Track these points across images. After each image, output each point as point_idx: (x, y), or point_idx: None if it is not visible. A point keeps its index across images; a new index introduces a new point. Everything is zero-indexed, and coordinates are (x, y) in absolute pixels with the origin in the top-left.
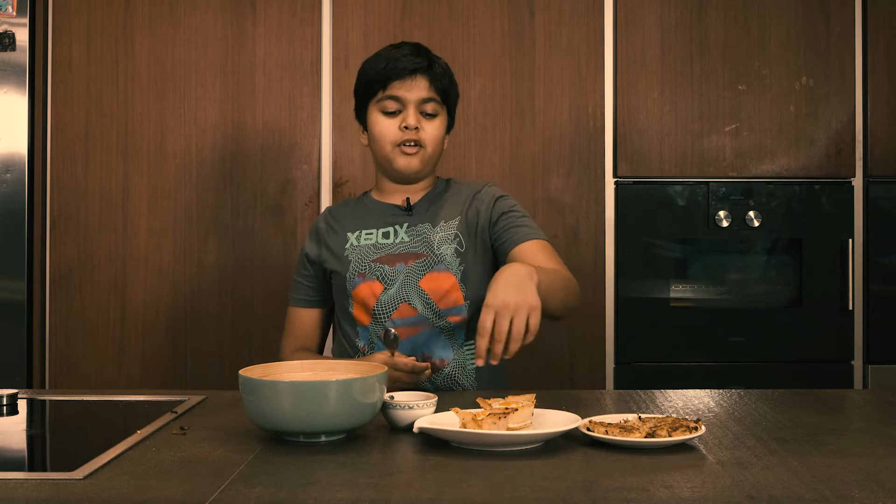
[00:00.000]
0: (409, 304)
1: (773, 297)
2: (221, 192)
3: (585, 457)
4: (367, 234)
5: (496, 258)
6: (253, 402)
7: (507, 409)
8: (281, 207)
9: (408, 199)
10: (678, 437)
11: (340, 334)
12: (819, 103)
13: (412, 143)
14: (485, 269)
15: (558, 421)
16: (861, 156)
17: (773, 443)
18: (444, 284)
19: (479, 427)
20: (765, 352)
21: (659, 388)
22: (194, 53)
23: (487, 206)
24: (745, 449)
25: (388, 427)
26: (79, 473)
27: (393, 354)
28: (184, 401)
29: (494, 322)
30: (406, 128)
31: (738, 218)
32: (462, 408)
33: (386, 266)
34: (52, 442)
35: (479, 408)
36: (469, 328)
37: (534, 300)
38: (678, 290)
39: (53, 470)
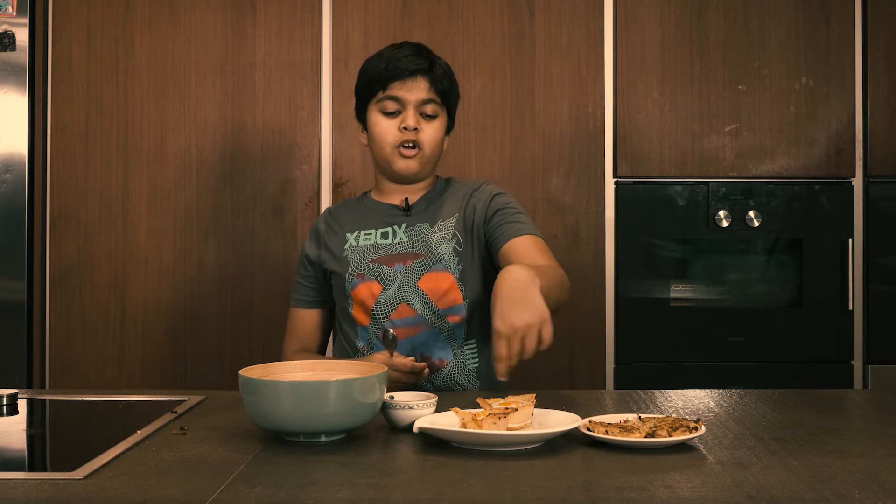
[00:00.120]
0: (408, 304)
1: (773, 297)
2: (221, 192)
3: (585, 457)
4: (365, 234)
5: (490, 255)
6: (253, 402)
7: (507, 409)
8: (281, 207)
9: (406, 199)
10: (678, 437)
11: (341, 335)
12: (819, 103)
13: (411, 145)
14: (483, 267)
15: (558, 421)
16: (861, 156)
17: (773, 443)
18: (442, 284)
19: (479, 427)
20: (765, 352)
21: (659, 388)
22: (194, 53)
23: (483, 204)
24: (745, 449)
25: (388, 427)
26: (79, 473)
27: (392, 355)
28: (184, 401)
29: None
30: (405, 129)
31: (738, 218)
32: (462, 408)
33: (384, 266)
34: (52, 442)
35: (479, 408)
36: (469, 328)
37: (543, 312)
38: (678, 290)
39: (53, 470)
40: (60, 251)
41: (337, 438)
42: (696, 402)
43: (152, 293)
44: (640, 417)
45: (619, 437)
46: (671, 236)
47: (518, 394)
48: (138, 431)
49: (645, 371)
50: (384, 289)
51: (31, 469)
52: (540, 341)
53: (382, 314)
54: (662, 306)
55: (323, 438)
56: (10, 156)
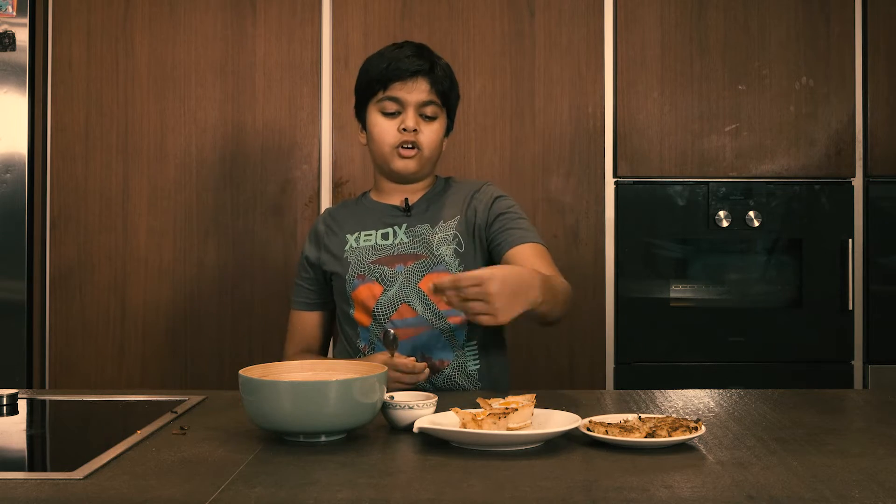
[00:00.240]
0: (409, 305)
1: (773, 297)
2: (221, 192)
3: (585, 457)
4: (366, 235)
5: (492, 259)
6: (253, 402)
7: (507, 409)
8: (281, 207)
9: (406, 199)
10: (678, 437)
11: (342, 336)
12: (819, 103)
13: (410, 146)
14: (483, 266)
15: (558, 421)
16: (861, 156)
17: (773, 443)
18: None
19: (479, 427)
20: (765, 352)
21: (659, 388)
22: (194, 53)
23: (485, 206)
24: (745, 449)
25: (388, 427)
26: (79, 473)
27: (393, 355)
28: (184, 401)
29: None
30: (405, 129)
31: (738, 218)
32: (462, 408)
33: (385, 267)
34: (52, 442)
35: (479, 408)
36: (469, 329)
37: (505, 317)
38: (678, 290)
39: (53, 470)
40: (60, 251)
41: (337, 438)
42: (696, 402)
43: (152, 293)
44: (640, 417)
45: (619, 437)
46: (671, 236)
47: (518, 394)
48: (138, 431)
49: (645, 371)
50: (385, 290)
51: (31, 469)
52: (475, 316)
53: (383, 315)
54: (662, 306)
55: (323, 438)
56: (10, 156)
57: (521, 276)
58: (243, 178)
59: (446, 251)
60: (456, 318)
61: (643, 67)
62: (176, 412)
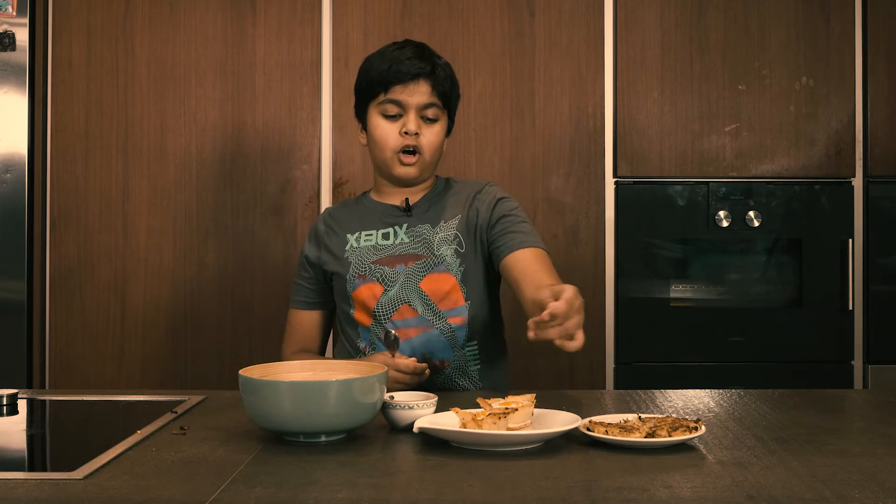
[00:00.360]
0: (410, 305)
1: (773, 297)
2: (221, 192)
3: (585, 457)
4: (366, 235)
5: (491, 261)
6: (253, 402)
7: (507, 409)
8: (281, 207)
9: (407, 199)
10: (678, 437)
11: (342, 336)
12: (819, 103)
13: (411, 151)
14: (485, 270)
15: (558, 421)
16: (861, 156)
17: (773, 443)
18: (444, 286)
19: (479, 427)
20: (765, 352)
21: (659, 388)
22: (194, 53)
23: (487, 207)
24: (745, 449)
25: (388, 427)
26: (79, 473)
27: (393, 355)
28: (184, 401)
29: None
30: (406, 133)
31: (738, 218)
32: (462, 408)
33: (386, 268)
34: (52, 442)
35: (479, 408)
36: (470, 330)
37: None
38: (678, 290)
39: (53, 470)
40: (60, 251)
41: (337, 438)
42: (696, 402)
43: (152, 293)
44: (640, 417)
45: (619, 437)
46: (671, 236)
47: (518, 394)
48: (138, 431)
49: (645, 371)
50: (385, 290)
51: (31, 469)
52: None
53: (384, 315)
54: (662, 306)
55: (323, 438)
56: (10, 156)
57: (578, 294)
58: (243, 178)
59: (447, 251)
60: (456, 319)
61: (643, 67)
62: (176, 412)
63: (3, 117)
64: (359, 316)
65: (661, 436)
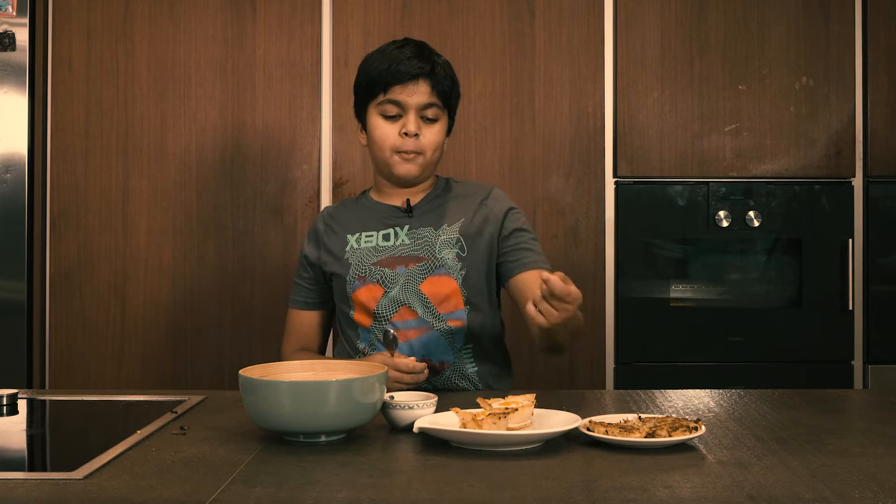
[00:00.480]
0: (410, 307)
1: (773, 297)
2: (221, 192)
3: (585, 457)
4: (367, 236)
5: (498, 271)
6: (253, 402)
7: (507, 409)
8: (281, 207)
9: (408, 200)
10: (678, 437)
11: (342, 337)
12: (819, 103)
13: (412, 152)
14: (487, 275)
15: (558, 421)
16: (861, 156)
17: (773, 443)
18: (444, 289)
19: (479, 427)
20: (765, 352)
21: (659, 388)
22: (194, 53)
23: (498, 216)
24: (745, 449)
25: (388, 427)
26: (79, 473)
27: (392, 355)
28: (184, 401)
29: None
30: (406, 134)
31: (738, 218)
32: (462, 408)
33: (386, 269)
34: (52, 442)
35: (479, 408)
36: (468, 333)
37: (558, 322)
38: (678, 290)
39: (53, 470)
40: (60, 251)
41: (337, 438)
42: (696, 402)
43: (152, 293)
44: (640, 417)
45: (619, 437)
46: (671, 236)
47: (518, 394)
48: (138, 431)
49: (645, 371)
50: (385, 291)
51: (31, 469)
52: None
53: (384, 317)
54: (662, 306)
55: (323, 438)
56: (10, 156)
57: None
58: (243, 178)
59: (448, 254)
60: (456, 322)
61: (643, 67)
62: (176, 412)
63: (3, 117)
64: (358, 317)
65: (661, 436)
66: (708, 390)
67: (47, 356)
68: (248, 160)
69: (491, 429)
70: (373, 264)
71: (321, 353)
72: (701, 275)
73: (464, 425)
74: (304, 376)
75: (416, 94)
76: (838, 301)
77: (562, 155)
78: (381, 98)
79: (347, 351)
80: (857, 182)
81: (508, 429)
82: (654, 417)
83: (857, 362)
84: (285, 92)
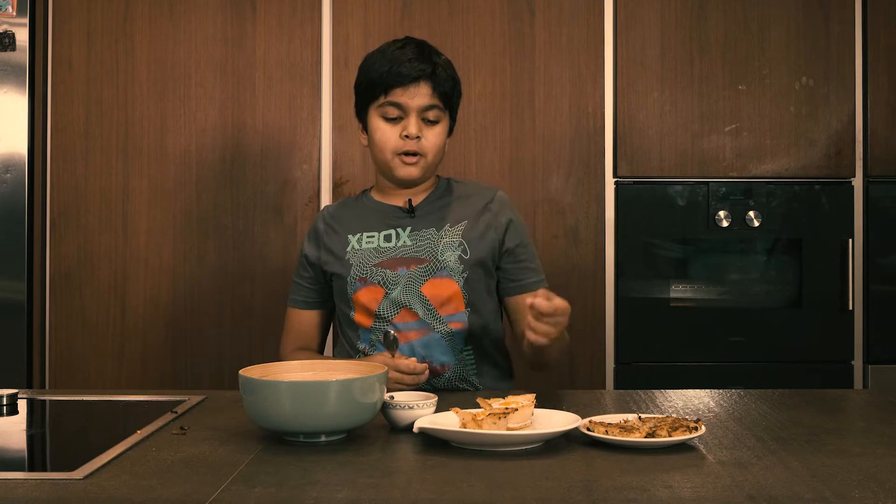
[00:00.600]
0: (410, 308)
1: (773, 297)
2: (221, 192)
3: (585, 457)
4: (368, 237)
5: (497, 283)
6: (253, 402)
7: (507, 409)
8: (281, 207)
9: (409, 200)
10: (678, 437)
11: (342, 337)
12: (819, 103)
13: (413, 153)
14: (488, 278)
15: (558, 421)
16: (861, 156)
17: (773, 443)
18: (445, 291)
19: (479, 427)
20: (765, 352)
21: (659, 388)
22: (194, 53)
23: (500, 226)
24: (745, 449)
25: (388, 427)
26: (79, 473)
27: (393, 356)
28: (184, 401)
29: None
30: (407, 136)
31: (738, 218)
32: (462, 408)
33: (387, 270)
34: (52, 442)
35: (479, 408)
36: (468, 335)
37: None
38: (678, 290)
39: (53, 470)
40: (60, 251)
41: (337, 438)
42: (696, 402)
43: (152, 293)
44: (640, 417)
45: (619, 437)
46: (671, 236)
47: (518, 394)
48: (138, 431)
49: (645, 371)
50: (387, 293)
51: (31, 469)
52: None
53: (385, 318)
54: (662, 306)
55: (323, 438)
56: (10, 156)
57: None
58: (243, 178)
59: (450, 257)
60: (456, 324)
61: (643, 67)
62: (176, 412)
63: (3, 117)
64: (359, 318)
65: (661, 436)
66: (708, 390)
67: (47, 356)
68: (248, 160)
69: (491, 429)
70: (374, 265)
71: (320, 352)
72: (701, 275)
73: (464, 425)
74: (304, 376)
75: (418, 96)
76: (838, 301)
77: (562, 155)
78: (381, 100)
79: (347, 351)
80: (857, 182)
81: (508, 429)
82: (654, 417)
83: (857, 362)
84: (285, 92)
